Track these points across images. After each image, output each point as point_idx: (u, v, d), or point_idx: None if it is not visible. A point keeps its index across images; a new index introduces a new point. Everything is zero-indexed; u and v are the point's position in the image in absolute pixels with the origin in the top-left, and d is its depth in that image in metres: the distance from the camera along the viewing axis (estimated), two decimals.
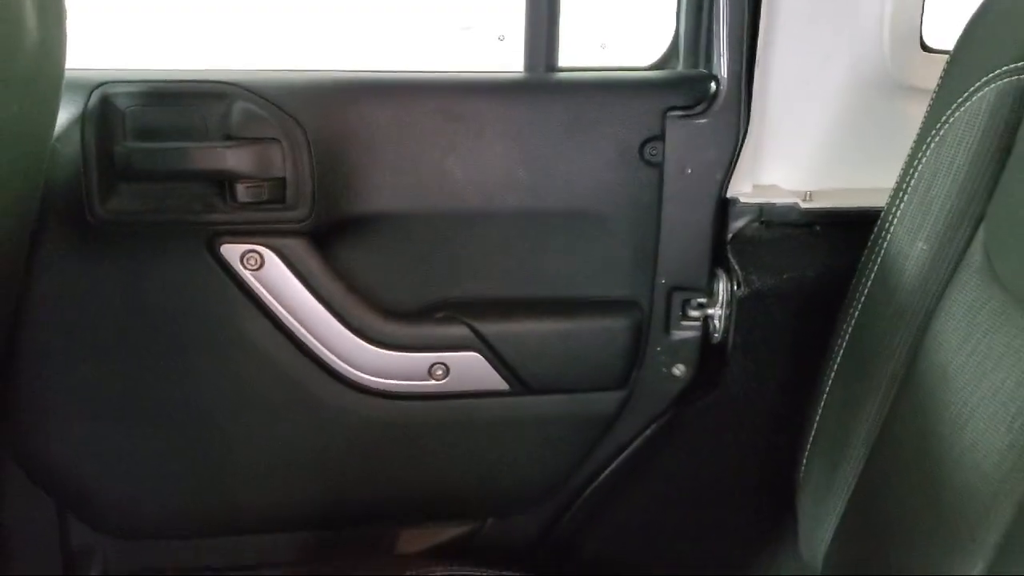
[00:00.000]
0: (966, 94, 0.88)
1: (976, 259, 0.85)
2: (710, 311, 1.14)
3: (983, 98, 0.86)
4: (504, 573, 1.05)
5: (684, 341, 1.15)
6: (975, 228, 0.86)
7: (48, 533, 1.11)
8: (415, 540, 1.19)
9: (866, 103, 1.15)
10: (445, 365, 1.08)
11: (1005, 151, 0.84)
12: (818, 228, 1.13)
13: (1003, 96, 0.85)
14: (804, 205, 1.14)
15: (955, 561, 0.77)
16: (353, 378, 1.07)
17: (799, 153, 1.17)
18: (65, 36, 0.76)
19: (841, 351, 0.98)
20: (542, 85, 1.07)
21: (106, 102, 0.95)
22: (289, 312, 1.03)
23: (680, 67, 1.12)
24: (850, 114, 1.15)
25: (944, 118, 0.90)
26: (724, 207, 1.13)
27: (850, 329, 0.97)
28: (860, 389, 0.94)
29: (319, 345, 1.05)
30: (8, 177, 0.75)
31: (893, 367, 0.91)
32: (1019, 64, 0.84)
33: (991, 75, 0.86)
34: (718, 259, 1.13)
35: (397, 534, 1.19)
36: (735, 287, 1.11)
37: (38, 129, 0.79)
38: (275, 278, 1.02)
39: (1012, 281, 0.79)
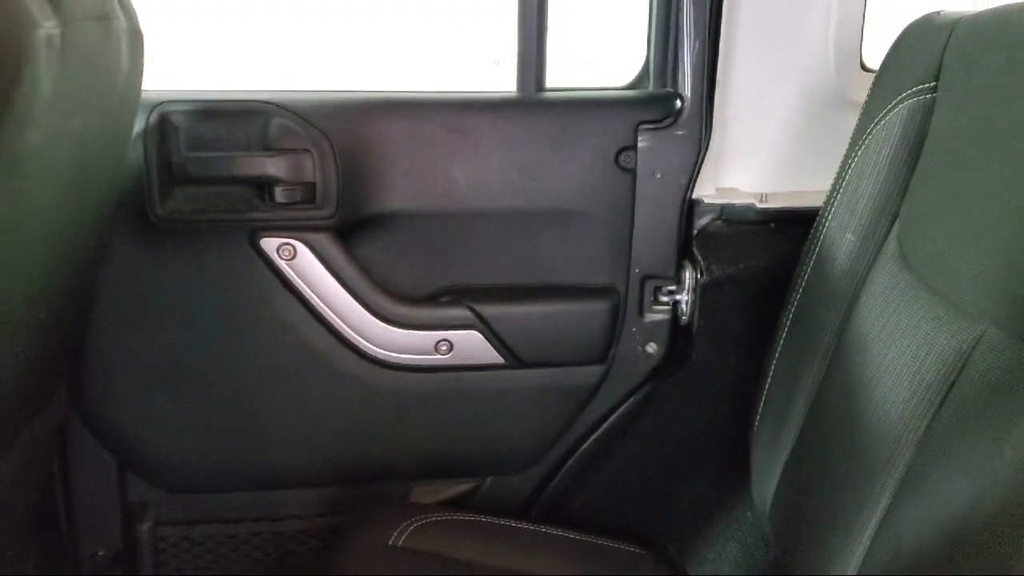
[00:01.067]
0: (886, 109, 1.03)
1: (892, 248, 1.00)
2: (678, 297, 1.29)
3: (898, 113, 1.01)
4: (502, 520, 1.20)
5: (656, 323, 1.30)
6: (892, 222, 1.01)
7: (109, 487, 1.26)
8: (424, 496, 1.33)
9: (814, 116, 1.30)
10: (449, 342, 1.24)
11: (915, 158, 0.99)
12: (772, 225, 1.28)
13: (914, 112, 1.00)
14: (760, 205, 1.29)
15: (870, 492, 0.92)
16: (370, 352, 1.22)
17: (756, 160, 1.32)
18: (143, 66, 0.92)
19: (786, 328, 1.13)
20: (531, 102, 1.23)
21: (164, 119, 1.11)
22: (317, 296, 1.19)
23: (651, 86, 1.28)
24: (800, 126, 1.30)
25: (869, 129, 1.05)
26: (690, 207, 1.28)
27: (793, 310, 1.12)
28: (800, 360, 1.09)
29: (342, 324, 1.20)
30: (96, 185, 0.91)
31: (827, 340, 1.05)
32: (927, 85, 0.99)
33: (905, 93, 1.01)
34: (685, 252, 1.28)
35: (409, 489, 1.33)
36: (699, 276, 1.26)
37: (120, 144, 0.94)
38: (306, 267, 1.18)
39: (917, 266, 0.94)
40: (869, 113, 1.07)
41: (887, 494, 0.91)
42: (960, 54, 0.95)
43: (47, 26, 0.62)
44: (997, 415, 0.78)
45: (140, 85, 0.94)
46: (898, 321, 0.95)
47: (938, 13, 1.05)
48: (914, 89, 1.00)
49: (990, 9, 0.96)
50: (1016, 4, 0.91)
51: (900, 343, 0.93)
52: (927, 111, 0.98)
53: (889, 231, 1.01)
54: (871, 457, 0.93)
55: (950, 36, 0.98)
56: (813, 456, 1.05)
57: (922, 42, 1.03)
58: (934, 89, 0.98)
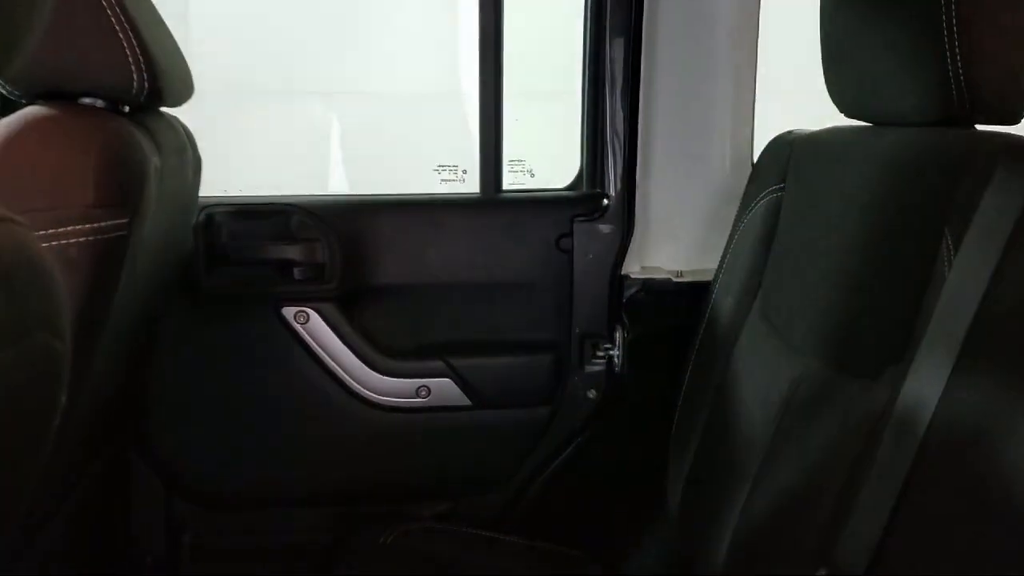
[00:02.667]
0: (752, 204, 1.36)
1: (756, 306, 1.30)
2: (612, 352, 1.59)
3: (760, 208, 1.33)
4: (471, 529, 1.48)
5: (594, 373, 1.60)
6: (758, 288, 1.31)
7: (158, 506, 1.55)
8: (408, 513, 1.61)
9: (717, 209, 1.62)
10: (427, 387, 1.54)
11: (771, 240, 1.30)
12: (684, 293, 1.58)
13: (769, 207, 1.31)
14: (676, 280, 1.60)
15: (741, 478, 1.16)
16: (366, 396, 1.53)
17: (673, 245, 1.64)
18: (200, 180, 1.26)
19: (689, 372, 1.43)
20: (491, 201, 1.57)
21: (211, 218, 1.44)
22: (325, 351, 1.50)
23: (584, 187, 1.61)
24: (706, 217, 1.62)
25: (742, 219, 1.38)
26: (620, 281, 1.59)
27: (694, 357, 1.42)
28: (697, 394, 1.38)
29: (343, 373, 1.51)
30: (163, 265, 1.23)
31: (715, 378, 1.35)
32: (777, 186, 1.31)
33: (763, 193, 1.33)
34: (616, 315, 1.59)
35: (398, 510, 1.61)
36: (627, 335, 1.56)
37: (183, 236, 1.27)
38: (316, 329, 1.50)
39: (771, 317, 1.24)
40: (743, 207, 1.39)
41: (749, 481, 1.18)
42: (797, 164, 1.28)
43: (154, 160, 0.94)
44: (817, 425, 1.07)
45: (198, 194, 1.27)
46: (757, 360, 1.25)
47: (789, 132, 1.38)
48: (769, 189, 1.32)
49: (819, 130, 1.29)
50: (836, 128, 1.23)
51: (758, 376, 1.23)
52: (777, 206, 1.30)
53: (756, 294, 1.32)
54: (743, 454, 1.22)
55: (792, 150, 1.31)
56: (706, 460, 1.33)
57: (775, 154, 1.35)
58: (782, 189, 1.30)
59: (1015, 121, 0.99)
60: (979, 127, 1.00)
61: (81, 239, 0.79)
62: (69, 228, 0.78)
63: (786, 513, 1.06)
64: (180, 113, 1.21)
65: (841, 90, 1.13)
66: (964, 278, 0.85)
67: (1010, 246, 0.82)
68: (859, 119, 1.13)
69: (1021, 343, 0.79)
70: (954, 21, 0.92)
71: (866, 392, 0.96)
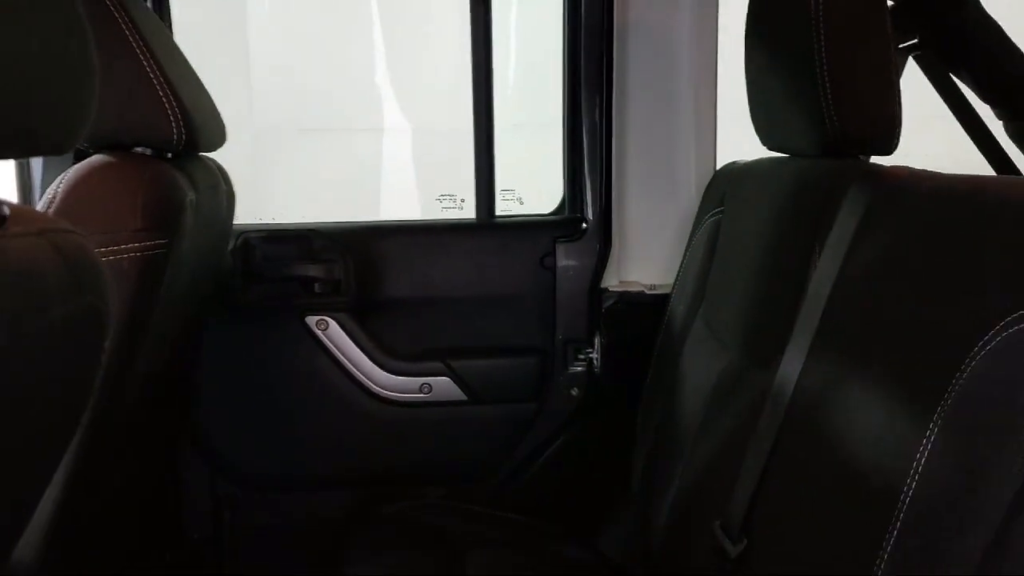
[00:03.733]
0: (701, 225, 1.56)
1: (701, 312, 1.50)
2: (592, 355, 1.80)
3: (706, 227, 1.53)
4: (472, 506, 1.69)
5: (576, 373, 1.81)
6: (702, 296, 1.51)
7: (203, 487, 1.79)
8: (414, 494, 1.83)
9: (684, 230, 1.81)
10: (429, 385, 1.77)
11: (712, 255, 1.50)
12: (655, 304, 1.78)
13: (712, 226, 1.51)
14: (648, 292, 1.80)
15: (676, 457, 1.36)
16: (376, 392, 1.76)
17: (647, 262, 1.84)
18: (235, 210, 1.51)
19: (651, 372, 1.62)
20: (485, 225, 1.80)
21: (246, 242, 1.69)
22: (341, 353, 1.74)
23: (566, 212, 1.83)
24: (675, 237, 1.81)
25: (692, 238, 1.58)
26: (599, 294, 1.80)
27: (655, 359, 1.62)
28: (657, 390, 1.58)
29: (357, 372, 1.75)
30: (201, 280, 1.48)
31: (667, 376, 1.54)
32: (718, 209, 1.50)
33: (709, 214, 1.54)
34: (595, 324, 1.80)
35: (403, 491, 1.83)
36: (604, 340, 1.77)
37: (220, 257, 1.52)
38: (334, 334, 1.74)
39: (709, 321, 1.43)
40: (694, 228, 1.60)
41: (683, 458, 1.36)
42: (732, 190, 1.48)
43: (190, 194, 1.19)
44: (732, 407, 1.26)
45: (232, 221, 1.52)
46: (698, 358, 1.45)
47: (733, 163, 1.58)
48: (712, 212, 1.53)
49: (751, 160, 1.49)
50: (761, 159, 1.43)
51: (698, 371, 1.43)
52: (718, 226, 1.50)
53: (701, 302, 1.51)
54: (680, 438, 1.40)
55: (729, 179, 1.51)
56: (658, 444, 1.52)
57: (717, 182, 1.56)
58: (721, 212, 1.50)
59: (888, 152, 1.17)
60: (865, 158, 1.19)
61: (130, 254, 1.04)
62: (121, 246, 1.03)
63: (704, 482, 1.25)
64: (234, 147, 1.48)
65: (759, 125, 1.33)
66: (821, 278, 1.05)
67: (850, 251, 1.01)
68: (775, 151, 1.33)
69: (852, 330, 0.98)
70: (825, 68, 1.11)
71: (763, 377, 1.15)
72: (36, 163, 1.60)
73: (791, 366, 1.06)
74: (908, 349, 0.82)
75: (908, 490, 0.76)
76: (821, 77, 1.11)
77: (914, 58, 1.59)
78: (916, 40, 1.56)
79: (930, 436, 0.74)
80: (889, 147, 1.16)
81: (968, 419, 0.71)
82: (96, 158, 1.12)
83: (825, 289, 1.04)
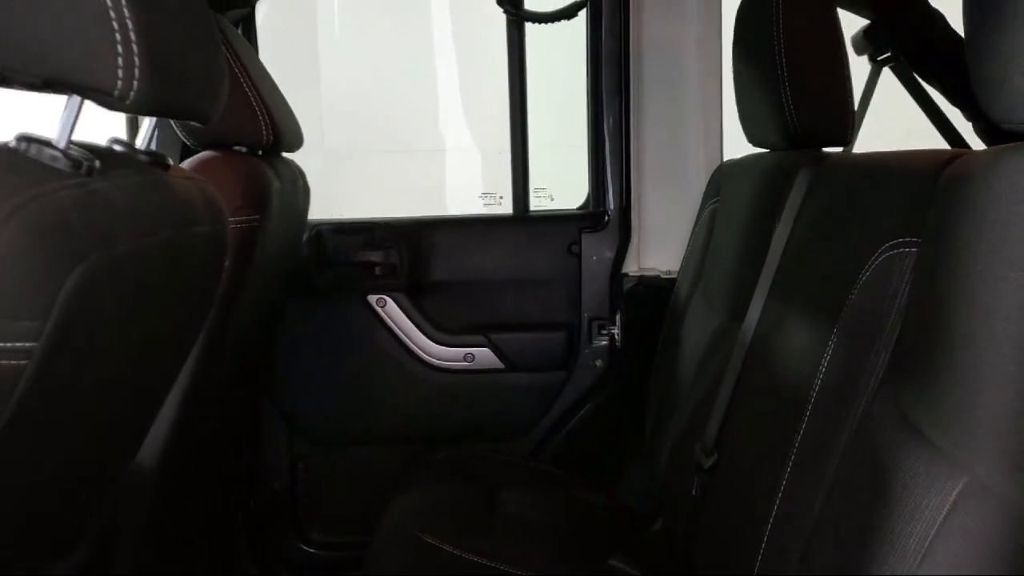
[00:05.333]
0: (702, 213, 1.79)
1: (700, 287, 1.73)
2: (614, 331, 2.04)
3: (704, 216, 1.77)
4: (510, 456, 1.94)
5: (600, 347, 2.05)
6: (701, 274, 1.73)
7: (282, 443, 2.08)
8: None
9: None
10: (472, 355, 2.03)
11: (709, 239, 1.72)
12: (670, 286, 2.02)
13: (710, 215, 1.74)
14: (664, 276, 2.04)
15: (673, 408, 1.60)
16: (427, 360, 2.03)
17: (664, 250, 2.07)
18: (309, 204, 1.80)
19: (660, 341, 1.86)
20: (520, 219, 2.05)
21: (319, 232, 1.98)
22: (397, 327, 2.02)
23: (591, 207, 2.08)
24: (688, 227, 2.04)
25: (695, 227, 1.81)
26: (620, 278, 2.04)
27: (663, 330, 1.85)
28: (664, 356, 1.81)
29: (410, 343, 2.02)
30: (286, 262, 1.76)
31: (672, 343, 1.77)
32: (715, 199, 1.74)
33: (708, 204, 1.77)
34: (616, 304, 2.04)
35: (450, 447, 2.08)
36: (624, 318, 2.01)
37: (297, 245, 1.81)
38: (391, 311, 2.01)
39: (705, 291, 1.66)
40: (697, 217, 1.83)
41: (680, 404, 1.58)
42: (725, 183, 1.71)
43: (276, 183, 1.48)
44: (715, 357, 1.47)
45: (307, 212, 1.82)
46: (696, 325, 1.68)
47: (729, 160, 1.81)
48: (711, 202, 1.76)
49: (741, 157, 1.71)
50: (750, 155, 1.65)
51: (695, 335, 1.66)
52: (714, 214, 1.73)
53: (700, 280, 1.74)
54: (677, 390, 1.62)
55: (725, 172, 1.74)
56: (662, 401, 1.74)
57: (716, 176, 1.79)
58: (717, 202, 1.73)
59: (844, 142, 1.39)
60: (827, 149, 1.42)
61: (232, 226, 1.32)
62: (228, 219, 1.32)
63: (692, 421, 1.48)
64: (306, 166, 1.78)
65: (744, 125, 1.56)
66: (776, 244, 1.28)
67: (796, 219, 1.24)
68: (756, 147, 1.56)
69: (791, 279, 1.21)
70: (784, 69, 1.31)
71: (737, 328, 1.39)
72: None
73: (753, 314, 1.29)
74: (822, 283, 1.06)
75: (814, 390, 0.99)
76: (782, 81, 1.32)
77: (890, 68, 1.81)
78: (890, 53, 1.78)
79: (830, 345, 0.97)
80: (844, 138, 1.38)
81: (854, 327, 0.94)
82: (205, 153, 1.42)
83: (778, 251, 1.27)
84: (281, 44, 2.08)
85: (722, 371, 1.36)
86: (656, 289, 2.03)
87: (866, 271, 0.93)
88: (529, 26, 2.02)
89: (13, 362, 0.57)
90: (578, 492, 1.85)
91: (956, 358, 0.70)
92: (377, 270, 2.00)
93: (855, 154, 1.22)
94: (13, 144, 0.66)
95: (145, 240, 0.74)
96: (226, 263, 1.01)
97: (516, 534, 1.56)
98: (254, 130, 1.48)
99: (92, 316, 0.65)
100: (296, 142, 1.67)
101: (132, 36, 0.65)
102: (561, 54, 2.21)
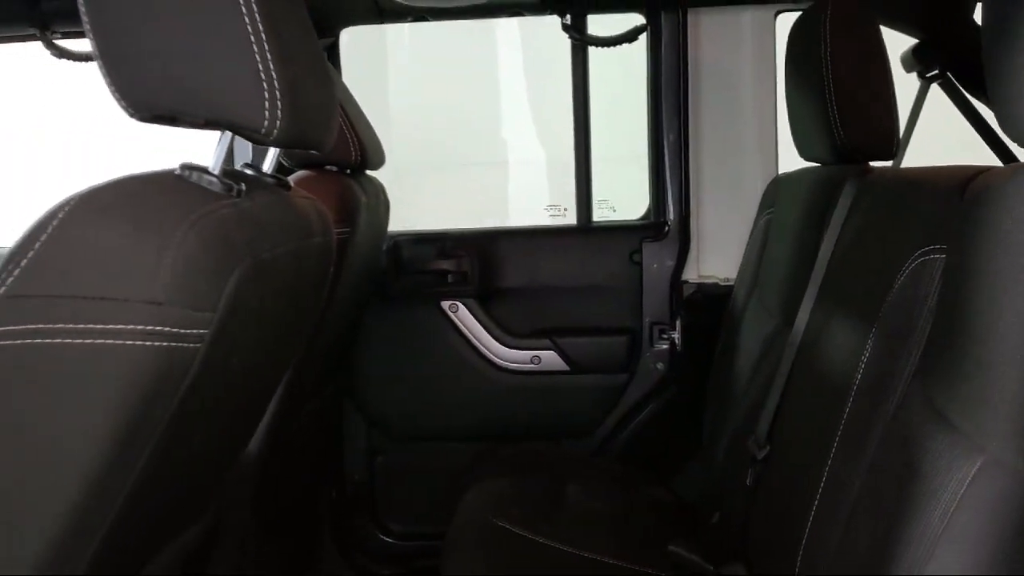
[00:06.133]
0: (757, 223, 1.90)
1: (756, 293, 1.83)
2: (674, 335, 2.15)
3: (760, 225, 1.87)
4: (574, 453, 2.07)
5: (661, 351, 2.16)
6: (756, 281, 1.84)
7: (361, 437, 2.23)
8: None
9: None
10: (539, 357, 2.15)
11: (763, 248, 1.82)
12: (728, 293, 2.12)
13: (765, 225, 1.85)
14: (722, 283, 2.14)
15: (731, 407, 1.71)
16: (496, 362, 2.16)
17: (722, 259, 2.18)
18: (389, 218, 1.95)
19: (718, 347, 1.96)
20: (585, 229, 2.18)
21: (396, 244, 2.14)
22: (468, 331, 2.16)
23: (651, 218, 2.19)
24: (742, 240, 2.14)
25: (752, 234, 1.92)
26: (680, 285, 2.16)
27: (721, 335, 1.96)
28: (722, 359, 1.91)
29: (481, 346, 2.16)
30: (368, 271, 1.92)
31: (729, 347, 1.87)
32: (769, 210, 1.84)
33: (763, 214, 1.87)
34: (676, 310, 2.15)
35: (518, 444, 2.21)
36: (684, 323, 2.12)
37: (377, 255, 1.97)
38: (463, 316, 2.16)
39: (763, 300, 1.76)
40: (753, 227, 1.93)
41: (736, 403, 1.69)
42: (779, 195, 1.81)
43: (362, 198, 1.64)
44: (770, 357, 1.58)
45: (388, 224, 1.97)
46: (752, 329, 1.78)
47: (782, 173, 1.91)
48: (766, 212, 1.86)
49: (792, 171, 1.82)
50: (800, 169, 1.75)
51: (750, 339, 1.76)
52: (769, 224, 1.83)
53: (755, 287, 1.84)
54: (735, 391, 1.73)
55: (777, 185, 1.84)
56: (719, 401, 1.85)
57: (770, 188, 1.90)
58: (772, 212, 1.83)
59: (889, 157, 1.49)
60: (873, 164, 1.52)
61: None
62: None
63: (747, 419, 1.59)
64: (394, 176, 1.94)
65: (795, 141, 1.67)
66: (824, 252, 1.39)
67: (842, 229, 1.35)
68: (807, 161, 1.67)
69: (835, 283, 1.31)
70: (831, 88, 1.41)
71: (788, 331, 1.49)
72: None
73: (802, 317, 1.40)
74: (863, 288, 1.16)
75: (855, 382, 1.09)
76: (829, 99, 1.42)
77: (939, 85, 1.89)
78: (938, 71, 1.86)
79: (869, 343, 1.08)
80: (889, 153, 1.47)
81: (890, 326, 1.04)
82: (301, 173, 1.58)
83: (825, 259, 1.38)
84: (352, 64, 2.25)
85: (774, 370, 1.47)
86: (714, 296, 2.14)
87: (901, 276, 1.03)
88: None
89: (192, 345, 0.72)
90: (639, 487, 1.96)
91: (976, 353, 0.81)
92: (450, 277, 2.14)
93: (894, 168, 1.32)
94: (179, 172, 0.82)
95: (279, 249, 0.88)
96: (331, 271, 1.16)
97: (581, 522, 1.68)
98: (344, 151, 1.64)
99: (243, 311, 0.80)
100: (379, 160, 1.82)
101: (276, 84, 0.80)
102: (620, 70, 2.33)
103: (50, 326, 0.65)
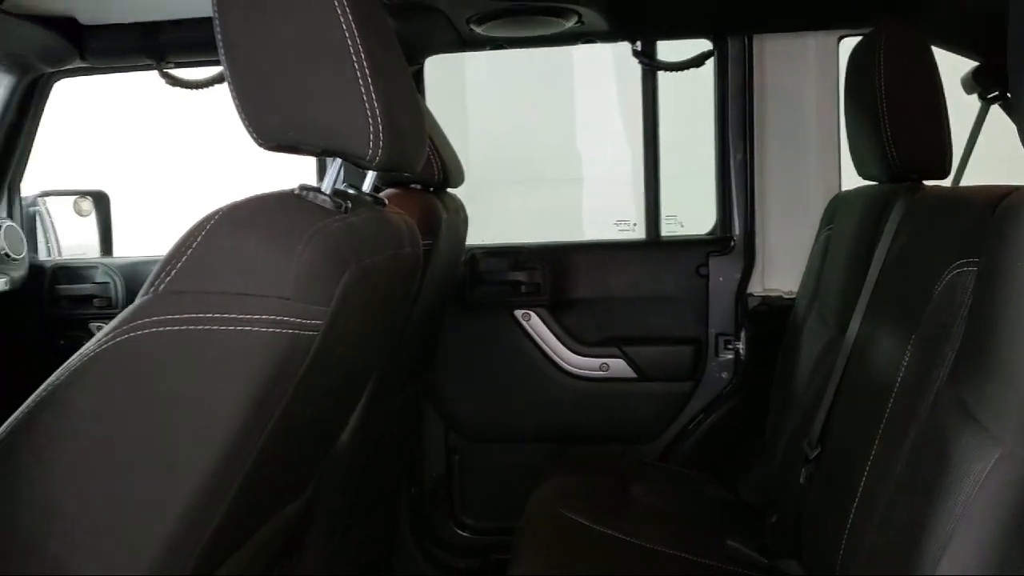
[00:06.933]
0: (818, 239, 1.98)
1: (816, 305, 1.92)
2: (738, 345, 2.24)
3: (820, 241, 1.96)
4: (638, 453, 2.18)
5: (726, 360, 2.26)
6: (816, 295, 1.93)
7: (439, 437, 2.38)
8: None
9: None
10: (607, 364, 2.27)
11: (822, 265, 1.91)
12: (791, 305, 2.20)
13: (825, 240, 1.93)
14: (787, 297, 2.23)
15: (791, 413, 1.80)
16: (566, 369, 2.29)
17: (787, 273, 2.27)
18: (467, 232, 2.11)
19: (780, 355, 2.05)
20: (653, 243, 2.30)
21: (473, 256, 2.29)
22: (540, 339, 2.29)
23: (718, 233, 2.30)
24: (805, 255, 2.22)
25: (813, 249, 2.00)
26: (745, 297, 2.25)
27: (782, 346, 2.05)
28: (783, 368, 2.00)
29: (552, 353, 2.29)
30: (447, 281, 2.07)
31: (790, 357, 1.96)
32: (829, 226, 1.92)
33: (823, 231, 1.96)
34: (740, 321, 2.24)
35: (589, 448, 2.33)
36: (748, 334, 2.21)
37: (456, 265, 2.12)
38: (535, 324, 2.29)
39: (822, 312, 1.85)
40: (815, 242, 2.02)
41: (794, 408, 1.78)
42: (837, 212, 1.90)
43: (444, 214, 1.79)
44: (824, 365, 1.67)
45: (466, 238, 2.13)
46: (811, 340, 1.86)
47: (843, 191, 1.99)
48: (826, 229, 1.95)
49: (851, 189, 1.89)
50: (859, 187, 1.84)
51: (809, 349, 1.84)
52: (828, 239, 1.92)
53: (816, 299, 1.93)
54: (794, 397, 1.82)
55: (838, 202, 1.93)
56: (783, 407, 1.93)
57: (830, 206, 1.98)
58: (831, 229, 1.92)
59: (942, 176, 1.57)
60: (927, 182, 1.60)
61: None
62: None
63: (803, 422, 1.68)
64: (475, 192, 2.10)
65: (853, 159, 1.76)
66: (874, 265, 1.48)
67: (891, 244, 1.44)
68: (864, 179, 1.75)
69: (882, 295, 1.40)
70: (885, 108, 1.51)
71: (841, 339, 1.58)
72: None
73: (853, 327, 1.49)
74: (906, 298, 1.26)
75: (896, 385, 1.19)
76: (883, 120, 1.51)
77: (999, 106, 1.96)
78: (997, 92, 1.93)
79: (909, 348, 1.18)
80: (942, 172, 1.56)
81: (928, 333, 1.14)
82: (390, 190, 1.75)
83: (875, 272, 1.47)
84: (435, 85, 2.42)
85: (828, 376, 1.56)
86: (778, 308, 2.22)
87: (938, 287, 1.12)
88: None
89: (310, 333, 0.87)
90: (702, 488, 2.06)
91: (1002, 357, 0.90)
92: (523, 288, 2.28)
93: (938, 187, 1.41)
94: (298, 192, 0.98)
95: (377, 257, 1.03)
96: (418, 279, 1.31)
97: (644, 517, 1.79)
98: (428, 171, 1.80)
99: (349, 308, 0.95)
100: (459, 179, 1.98)
101: (379, 119, 0.95)
102: (689, 91, 2.45)
103: (202, 315, 0.81)
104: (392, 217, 1.17)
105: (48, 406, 0.84)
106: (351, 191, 1.10)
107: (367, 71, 0.95)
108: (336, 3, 0.94)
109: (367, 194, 1.16)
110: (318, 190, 0.98)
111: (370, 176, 1.15)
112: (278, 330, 0.84)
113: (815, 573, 1.43)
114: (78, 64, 2.26)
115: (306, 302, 0.86)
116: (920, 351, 1.15)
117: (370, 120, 0.95)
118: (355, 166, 1.01)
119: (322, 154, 0.98)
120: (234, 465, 0.88)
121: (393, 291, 1.20)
